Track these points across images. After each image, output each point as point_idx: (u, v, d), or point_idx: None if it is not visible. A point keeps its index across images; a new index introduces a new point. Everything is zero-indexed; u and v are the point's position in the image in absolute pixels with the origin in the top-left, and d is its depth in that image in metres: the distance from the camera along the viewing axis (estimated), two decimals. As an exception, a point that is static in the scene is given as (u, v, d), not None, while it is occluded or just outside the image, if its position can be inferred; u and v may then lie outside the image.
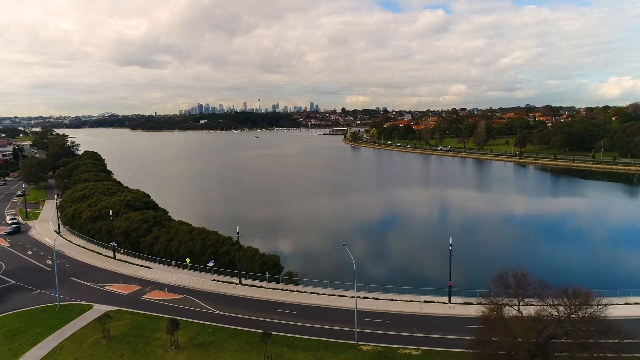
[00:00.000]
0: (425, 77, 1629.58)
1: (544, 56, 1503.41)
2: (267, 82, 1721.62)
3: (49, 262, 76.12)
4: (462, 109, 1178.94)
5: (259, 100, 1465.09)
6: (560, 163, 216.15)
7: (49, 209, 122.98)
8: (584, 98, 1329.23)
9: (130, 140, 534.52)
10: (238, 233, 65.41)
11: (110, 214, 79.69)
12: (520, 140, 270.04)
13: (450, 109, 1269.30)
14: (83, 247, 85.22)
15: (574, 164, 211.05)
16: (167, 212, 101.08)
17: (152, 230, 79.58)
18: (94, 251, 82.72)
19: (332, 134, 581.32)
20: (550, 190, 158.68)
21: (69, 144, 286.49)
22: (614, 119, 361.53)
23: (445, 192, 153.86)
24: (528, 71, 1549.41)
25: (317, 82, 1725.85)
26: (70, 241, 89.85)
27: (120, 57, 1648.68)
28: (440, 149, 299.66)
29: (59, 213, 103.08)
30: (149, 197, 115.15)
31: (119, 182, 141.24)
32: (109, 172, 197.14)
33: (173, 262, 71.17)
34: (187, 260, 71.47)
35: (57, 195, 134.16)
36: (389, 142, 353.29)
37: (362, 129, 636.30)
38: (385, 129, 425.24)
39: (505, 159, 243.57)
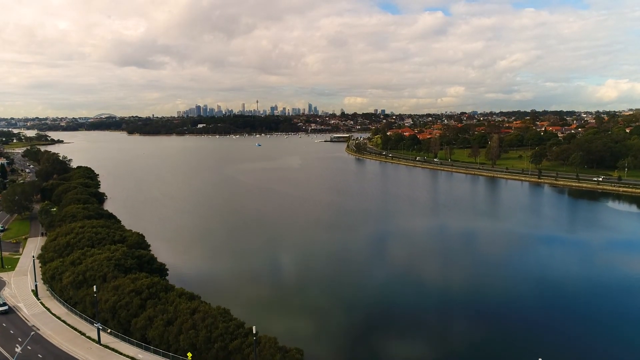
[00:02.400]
0: (424, 79, 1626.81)
1: (542, 59, 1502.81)
2: (265, 83, 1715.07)
3: (19, 349, 62.01)
4: (463, 113, 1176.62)
5: (257, 102, 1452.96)
6: (583, 185, 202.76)
7: (31, 251, 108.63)
8: (582, 100, 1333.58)
9: (127, 148, 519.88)
10: (255, 334, 51.48)
11: (95, 289, 65.63)
12: (536, 156, 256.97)
13: (448, 112, 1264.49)
14: (63, 322, 71.00)
15: (598, 186, 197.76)
16: (165, 269, 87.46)
17: (145, 307, 65.61)
18: (75, 329, 68.57)
19: (334, 142, 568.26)
20: (597, 227, 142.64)
21: (61, 157, 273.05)
22: (628, 130, 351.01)
23: (477, 226, 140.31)
24: (526, 73, 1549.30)
25: (315, 83, 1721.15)
26: (48, 309, 75.76)
27: (118, 58, 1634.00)
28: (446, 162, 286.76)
29: (37, 266, 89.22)
30: (144, 239, 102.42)
31: (110, 216, 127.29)
32: (102, 195, 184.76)
33: None
34: (189, 355, 57.58)
35: (42, 233, 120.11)
36: (400, 158, 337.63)
37: (363, 136, 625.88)
38: (390, 139, 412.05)
39: (522, 177, 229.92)
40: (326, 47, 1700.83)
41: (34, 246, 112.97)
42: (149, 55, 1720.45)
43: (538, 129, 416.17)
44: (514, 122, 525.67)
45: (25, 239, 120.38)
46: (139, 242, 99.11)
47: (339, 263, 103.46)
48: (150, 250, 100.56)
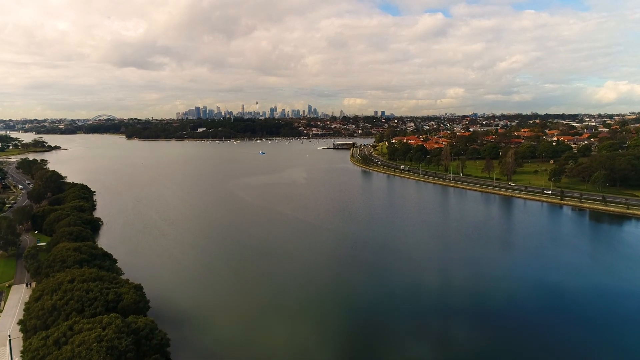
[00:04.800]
0: (424, 80, 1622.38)
1: (541, 60, 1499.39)
2: (265, 84, 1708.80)
3: None
4: (464, 116, 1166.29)
5: (256, 103, 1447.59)
6: (611, 209, 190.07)
7: (14, 306, 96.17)
8: (581, 102, 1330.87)
9: (125, 156, 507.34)
10: None
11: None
12: (555, 174, 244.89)
13: (448, 113, 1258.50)
14: None
15: (628, 211, 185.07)
16: (166, 341, 74.63)
17: (143, 419, 53.06)
18: None
19: (337, 149, 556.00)
20: None
21: (56, 170, 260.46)
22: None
23: (508, 262, 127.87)
24: (525, 75, 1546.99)
25: (315, 84, 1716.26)
26: (27, 405, 63.25)
27: (117, 59, 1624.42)
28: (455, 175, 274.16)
29: (18, 333, 76.82)
30: (142, 295, 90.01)
31: (105, 255, 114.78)
32: (98, 221, 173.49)
33: None
34: None
35: (27, 284, 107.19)
36: (410, 172, 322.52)
37: (366, 141, 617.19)
38: (397, 148, 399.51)
39: (543, 198, 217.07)
40: (326, 48, 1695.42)
41: (18, 298, 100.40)
42: (149, 56, 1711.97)
43: (549, 139, 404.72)
44: (522, 130, 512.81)
45: (9, 286, 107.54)
46: (136, 300, 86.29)
47: (368, 323, 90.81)
48: (149, 307, 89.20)
